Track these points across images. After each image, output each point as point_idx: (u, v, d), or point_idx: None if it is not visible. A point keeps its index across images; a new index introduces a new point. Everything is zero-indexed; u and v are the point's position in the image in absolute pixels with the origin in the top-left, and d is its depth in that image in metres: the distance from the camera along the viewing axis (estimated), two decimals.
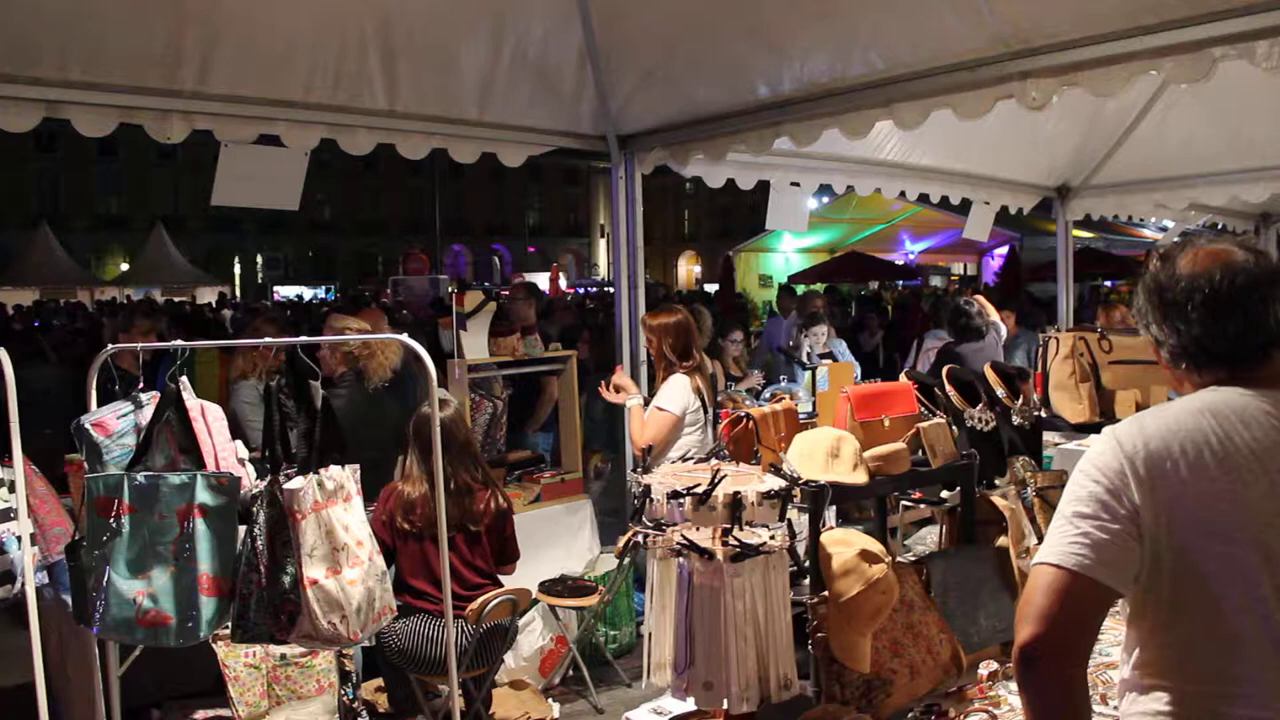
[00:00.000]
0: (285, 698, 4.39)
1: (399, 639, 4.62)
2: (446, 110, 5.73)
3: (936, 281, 31.83)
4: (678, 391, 5.24)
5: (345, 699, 4.56)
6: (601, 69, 5.95)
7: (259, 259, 55.66)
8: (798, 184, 7.19)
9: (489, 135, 5.99)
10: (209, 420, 3.66)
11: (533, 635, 5.68)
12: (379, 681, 5.10)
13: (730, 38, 5.42)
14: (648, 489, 2.70)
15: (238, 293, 47.07)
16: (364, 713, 4.91)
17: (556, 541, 6.14)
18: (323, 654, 4.43)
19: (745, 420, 3.25)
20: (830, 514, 4.45)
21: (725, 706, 2.63)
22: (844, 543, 2.84)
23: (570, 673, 5.75)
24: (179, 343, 3.71)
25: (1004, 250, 20.79)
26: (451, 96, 5.69)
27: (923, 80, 4.95)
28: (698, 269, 54.82)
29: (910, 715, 2.95)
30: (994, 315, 8.22)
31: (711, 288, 32.59)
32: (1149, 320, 2.02)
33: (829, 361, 6.56)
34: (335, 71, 5.17)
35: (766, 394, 7.32)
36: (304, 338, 3.54)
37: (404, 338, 3.75)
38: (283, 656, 4.37)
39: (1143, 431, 1.90)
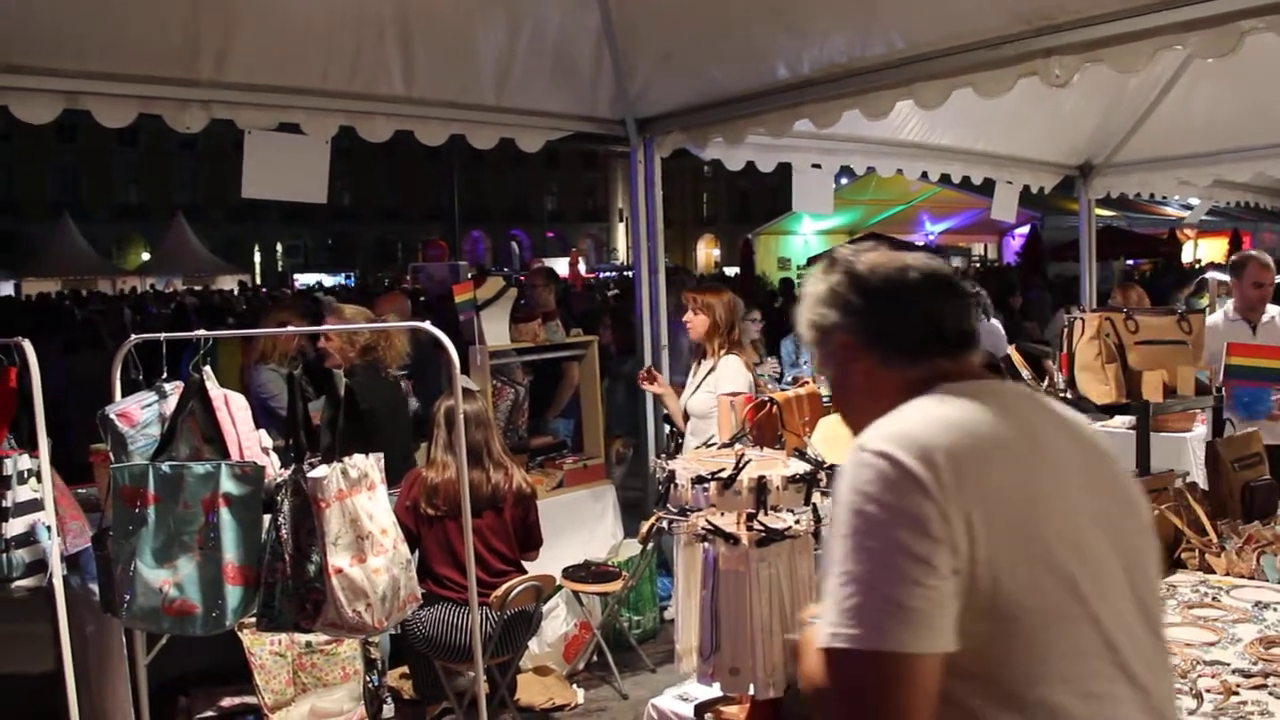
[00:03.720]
0: (311, 685, 4.41)
1: (424, 626, 4.63)
2: (464, 96, 5.73)
3: (957, 262, 31.66)
4: (740, 372, 5.33)
5: (370, 686, 4.58)
6: (619, 52, 5.92)
7: (279, 247, 55.88)
8: (819, 166, 7.14)
9: (507, 120, 5.98)
10: (232, 410, 3.67)
11: (557, 621, 5.69)
12: (405, 669, 5.12)
13: (748, 19, 5.39)
14: (672, 474, 2.69)
15: (258, 281, 47.29)
16: (389, 699, 4.93)
17: (580, 527, 6.14)
18: (348, 641, 4.45)
19: (769, 404, 3.23)
20: None
21: (751, 692, 2.62)
22: None
23: (594, 658, 5.77)
24: (201, 332, 3.72)
25: (1024, 230, 20.68)
26: (469, 82, 5.68)
27: (943, 59, 4.92)
28: (717, 252, 54.69)
29: None
30: None
31: (731, 271, 32.52)
32: (845, 316, 1.81)
33: None
34: (353, 58, 5.17)
35: (789, 377, 7.30)
36: (323, 327, 3.54)
37: (427, 325, 3.75)
38: (308, 644, 4.39)
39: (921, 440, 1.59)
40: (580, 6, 5.68)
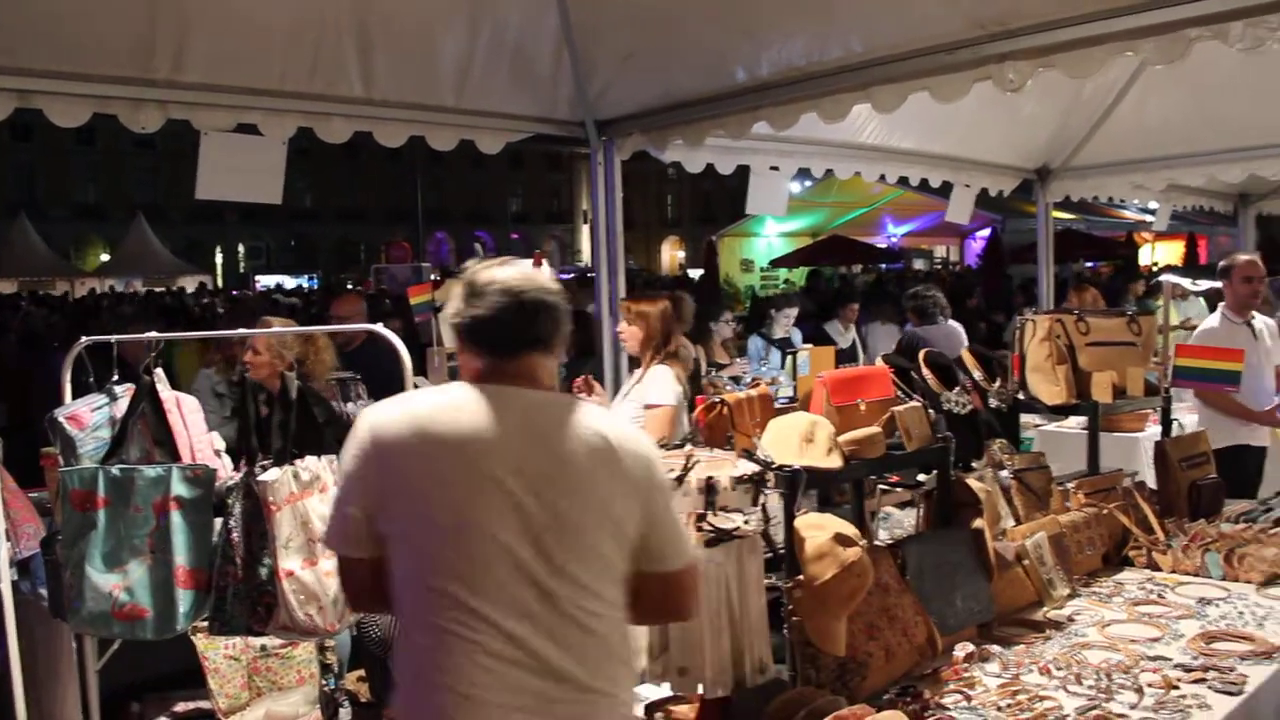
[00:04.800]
0: (266, 689, 4.38)
1: (379, 628, 4.61)
2: (423, 97, 5.70)
3: (920, 264, 31.95)
4: (668, 382, 5.11)
5: (326, 689, 4.56)
6: (579, 55, 5.91)
7: (240, 248, 55.40)
8: (777, 168, 7.17)
9: (466, 122, 5.95)
10: (184, 412, 3.65)
11: None
12: (362, 671, 5.09)
13: (707, 22, 5.40)
14: None
15: (219, 282, 46.86)
16: (346, 703, 4.90)
17: None
18: (303, 644, 4.42)
19: (720, 406, 3.26)
20: (812, 499, 4.47)
21: (700, 691, 2.64)
22: (818, 527, 2.85)
23: None
24: (152, 335, 3.69)
25: (986, 233, 20.86)
26: (428, 83, 5.66)
27: (900, 63, 4.94)
28: (681, 254, 54.77)
29: (885, 697, 2.96)
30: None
31: (696, 273, 32.57)
32: (455, 313, 2.31)
33: (809, 346, 6.56)
34: (311, 59, 5.13)
35: (747, 379, 7.33)
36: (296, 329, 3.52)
37: (378, 327, 3.74)
38: (263, 648, 4.36)
39: (387, 412, 2.27)
40: (539, 8, 5.67)
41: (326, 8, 5.05)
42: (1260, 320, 6.33)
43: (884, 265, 27.52)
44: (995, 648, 3.32)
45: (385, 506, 2.20)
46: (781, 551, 2.86)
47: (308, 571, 3.27)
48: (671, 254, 57.90)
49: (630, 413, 5.06)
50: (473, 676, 2.10)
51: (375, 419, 2.25)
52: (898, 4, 4.84)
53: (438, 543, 2.16)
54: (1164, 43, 4.24)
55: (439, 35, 5.51)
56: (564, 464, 2.17)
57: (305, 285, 43.46)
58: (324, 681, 4.53)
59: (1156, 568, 4.20)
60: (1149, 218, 16.97)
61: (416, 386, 5.41)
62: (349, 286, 30.22)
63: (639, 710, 3.04)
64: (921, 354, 3.90)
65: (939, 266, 32.32)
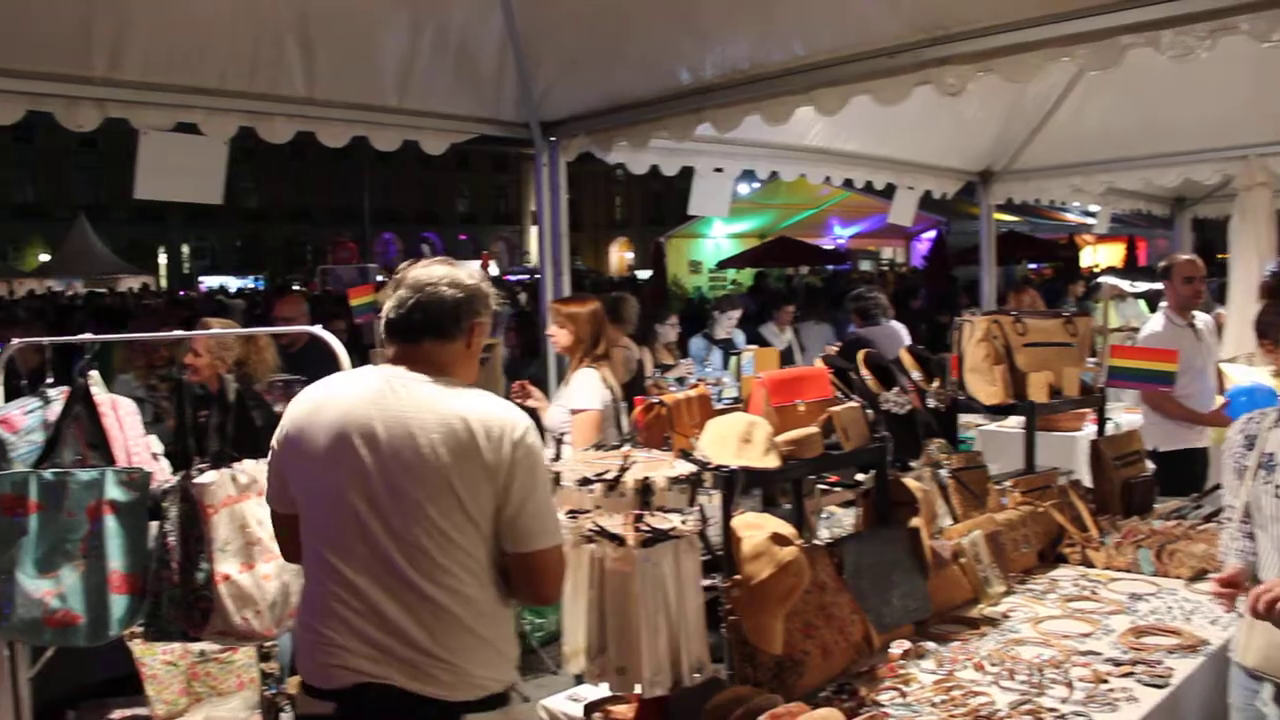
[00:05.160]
0: (205, 694, 4.34)
1: None
2: (366, 97, 5.67)
3: (866, 266, 32.21)
4: (593, 386, 5.04)
5: (267, 694, 4.51)
6: (523, 56, 5.91)
7: (185, 249, 54.61)
8: (721, 169, 7.21)
9: (410, 123, 5.93)
10: (120, 415, 3.60)
11: None
12: None
13: (652, 24, 5.43)
14: (557, 476, 2.71)
15: (163, 283, 46.16)
16: (287, 708, 4.86)
17: None
18: (244, 650, 4.38)
19: (658, 407, 3.28)
20: (757, 500, 4.49)
21: (639, 690, 2.65)
22: (755, 526, 2.87)
23: None
24: (87, 336, 3.64)
25: (931, 235, 21.06)
26: (371, 83, 5.63)
27: (842, 66, 5.00)
28: (630, 255, 54.74)
29: (822, 695, 2.99)
30: None
31: (644, 274, 32.60)
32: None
33: (754, 347, 6.60)
34: (252, 58, 5.09)
35: (691, 379, 7.36)
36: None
37: (317, 329, 3.72)
38: (201, 653, 4.31)
39: (307, 390, 2.65)
40: (484, 9, 5.66)
41: (267, 5, 5.02)
42: (1200, 320, 6.42)
43: (830, 267, 27.71)
44: (931, 645, 3.37)
45: (289, 471, 2.58)
46: (720, 553, 2.87)
47: (245, 575, 3.24)
48: (620, 255, 57.79)
49: (560, 417, 5.02)
50: (329, 622, 2.43)
51: (298, 397, 2.64)
52: (839, 8, 4.89)
53: (312, 504, 2.54)
54: (1098, 49, 4.32)
55: (382, 35, 5.48)
56: (413, 441, 2.42)
57: (251, 286, 42.90)
58: (265, 687, 4.49)
59: (1090, 564, 4.27)
60: (1091, 220, 17.23)
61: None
62: (295, 287, 29.89)
63: (577, 710, 3.05)
64: (861, 355, 3.94)
65: (886, 268, 32.60)
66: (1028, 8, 4.37)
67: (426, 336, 2.56)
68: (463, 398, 2.49)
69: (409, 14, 5.47)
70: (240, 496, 3.27)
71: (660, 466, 2.75)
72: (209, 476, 3.25)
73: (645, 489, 2.62)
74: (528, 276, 34.57)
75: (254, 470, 3.36)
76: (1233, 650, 3.12)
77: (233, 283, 44.97)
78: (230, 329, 5.47)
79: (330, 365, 3.67)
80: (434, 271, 2.60)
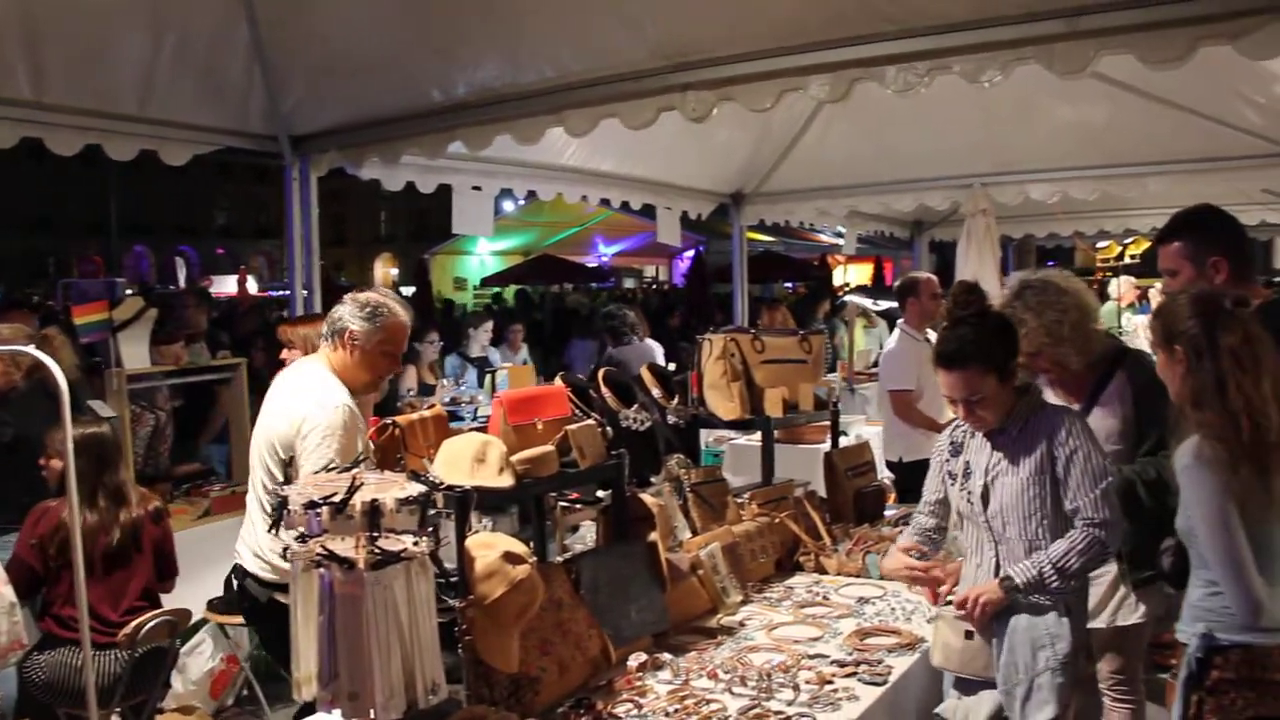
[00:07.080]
0: None
1: (42, 671, 4.33)
2: (102, 104, 5.38)
3: (630, 283, 32.78)
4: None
5: None
6: (270, 69, 5.75)
7: None
8: (479, 188, 7.20)
9: (150, 132, 5.67)
10: None
11: (202, 657, 5.41)
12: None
13: (401, 41, 5.38)
14: (284, 500, 2.64)
15: None
16: None
17: (229, 557, 5.86)
18: None
19: (391, 428, 3.25)
20: (514, 520, 4.49)
21: (372, 716, 2.61)
22: (488, 546, 2.89)
23: (244, 692, 5.53)
24: None
25: (692, 253, 21.62)
26: (108, 90, 5.35)
27: (590, 89, 5.10)
28: (395, 271, 53.72)
29: (560, 711, 3.03)
30: None
31: (409, 290, 32.08)
32: None
33: (509, 365, 6.62)
34: None
35: (446, 399, 7.31)
36: None
37: (30, 349, 3.50)
38: None
39: None
40: (229, 19, 5.44)
41: None
42: (934, 336, 6.83)
43: (594, 284, 28.06)
44: (667, 655, 3.47)
45: None
46: (455, 579, 2.87)
47: None
48: (384, 271, 56.60)
49: None
50: None
51: None
52: (585, 32, 4.99)
53: None
54: (828, 81, 4.57)
55: (117, 40, 5.21)
56: (264, 414, 3.41)
57: None
58: None
59: (824, 571, 4.49)
60: (840, 241, 18.12)
61: (92, 410, 5.11)
62: (35, 300, 27.83)
63: None
64: (600, 373, 4.02)
65: (649, 285, 33.27)
66: (763, 40, 4.58)
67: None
68: (302, 379, 3.74)
69: (146, 21, 5.22)
70: None
71: (390, 488, 2.72)
72: None
73: (374, 511, 2.58)
74: (288, 293, 33.45)
75: None
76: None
77: None
78: (21, 333, 5.10)
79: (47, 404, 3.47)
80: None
